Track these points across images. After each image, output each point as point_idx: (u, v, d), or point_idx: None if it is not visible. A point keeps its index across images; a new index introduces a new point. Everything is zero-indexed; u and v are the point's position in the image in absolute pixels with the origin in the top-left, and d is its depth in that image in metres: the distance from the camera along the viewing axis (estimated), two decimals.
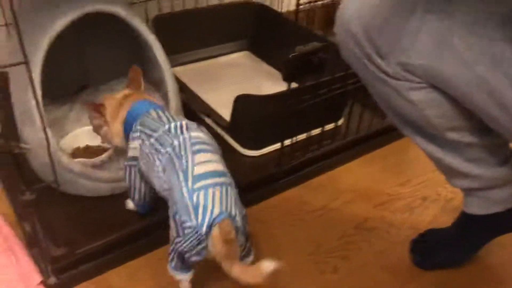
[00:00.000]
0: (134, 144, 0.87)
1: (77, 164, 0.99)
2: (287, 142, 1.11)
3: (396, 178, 1.23)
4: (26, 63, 0.67)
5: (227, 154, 1.17)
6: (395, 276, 0.97)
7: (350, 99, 1.23)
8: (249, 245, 0.83)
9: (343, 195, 1.17)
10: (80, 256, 0.90)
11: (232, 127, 1.20)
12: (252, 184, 1.11)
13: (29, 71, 0.68)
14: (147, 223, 0.98)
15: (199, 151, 0.80)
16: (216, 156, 0.83)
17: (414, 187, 1.21)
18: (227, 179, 0.80)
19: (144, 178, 0.89)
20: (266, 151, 1.19)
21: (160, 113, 0.88)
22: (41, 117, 0.74)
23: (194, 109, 1.27)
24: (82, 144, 1.12)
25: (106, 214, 1.00)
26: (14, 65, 0.67)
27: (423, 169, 1.24)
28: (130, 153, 0.88)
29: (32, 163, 1.00)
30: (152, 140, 0.83)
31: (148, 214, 0.99)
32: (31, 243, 0.93)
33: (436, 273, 0.98)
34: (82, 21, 1.00)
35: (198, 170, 0.77)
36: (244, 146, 1.19)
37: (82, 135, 1.12)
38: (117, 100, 0.93)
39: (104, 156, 1.05)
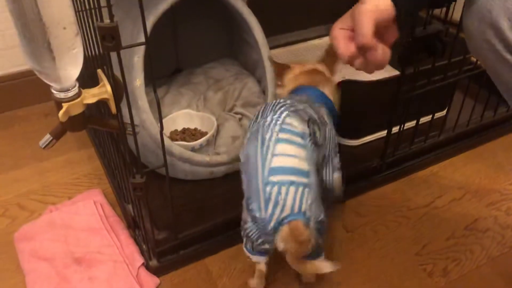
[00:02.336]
0: None
1: (178, 147, 0.98)
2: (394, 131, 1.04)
3: (508, 176, 1.12)
4: (146, 43, 0.65)
5: None
6: None
7: (458, 88, 1.13)
8: (320, 249, 0.77)
9: (449, 192, 1.08)
10: (182, 241, 0.89)
11: None
12: (351, 176, 1.05)
13: (147, 51, 0.66)
14: (235, 213, 0.94)
15: (284, 140, 0.74)
16: (304, 153, 0.74)
17: None
18: (309, 179, 0.73)
19: None
20: (367, 141, 1.13)
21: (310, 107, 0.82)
22: (157, 100, 0.72)
23: None
24: (179, 127, 1.11)
25: (206, 199, 0.99)
26: (135, 45, 0.65)
27: None
28: None
29: (132, 145, 1.00)
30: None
31: (234, 210, 0.95)
32: (134, 225, 0.94)
33: None
34: (178, 4, 0.98)
35: (276, 162, 0.72)
36: (342, 134, 1.12)
37: (178, 118, 1.12)
38: (301, 70, 0.92)
39: (203, 139, 1.03)
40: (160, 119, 0.73)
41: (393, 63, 1.38)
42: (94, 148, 1.18)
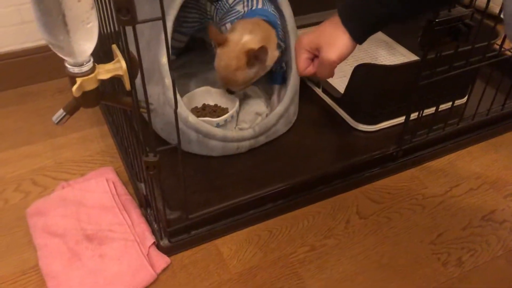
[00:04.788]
0: None
1: (204, 123, 0.97)
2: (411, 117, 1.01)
3: None
4: (162, 19, 0.63)
5: (338, 128, 1.12)
6: None
7: (480, 76, 1.10)
8: None
9: (466, 182, 1.05)
10: (194, 221, 0.88)
11: (346, 99, 1.12)
12: (366, 162, 1.03)
13: (164, 28, 0.64)
14: (261, 193, 0.94)
15: None
16: None
17: None
18: None
19: None
20: (383, 126, 1.10)
21: None
22: (172, 80, 0.71)
23: (303, 78, 1.20)
24: (198, 104, 1.10)
25: (221, 177, 0.98)
26: (151, 20, 0.63)
27: None
28: None
29: (156, 123, 1.01)
30: None
31: (262, 186, 0.95)
32: (146, 204, 0.93)
33: None
34: None
35: None
36: (358, 120, 1.10)
37: (197, 94, 1.10)
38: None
39: (228, 115, 1.02)
40: (175, 98, 0.71)
41: (413, 47, 1.36)
42: (107, 125, 1.18)
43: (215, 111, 1.09)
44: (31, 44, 1.28)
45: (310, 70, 0.79)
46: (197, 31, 1.15)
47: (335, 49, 0.74)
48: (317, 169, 1.00)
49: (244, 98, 1.13)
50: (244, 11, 1.02)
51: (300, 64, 0.79)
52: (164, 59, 0.96)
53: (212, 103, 1.11)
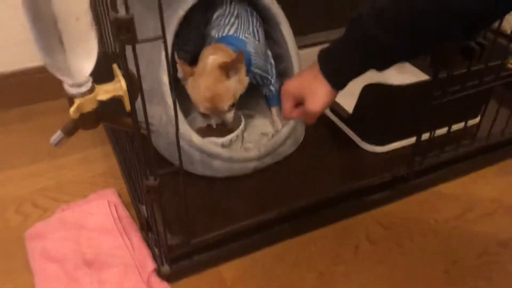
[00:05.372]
0: None
1: (209, 144, 0.95)
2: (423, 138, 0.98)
3: None
4: (163, 38, 0.61)
5: (346, 148, 1.08)
6: None
7: (493, 95, 1.06)
8: None
9: (480, 206, 1.01)
10: (196, 246, 0.85)
11: (355, 119, 1.09)
12: (376, 184, 1.00)
13: (165, 47, 0.62)
14: (266, 217, 0.91)
15: None
16: None
17: None
18: None
19: None
20: (393, 147, 1.07)
21: None
22: (173, 100, 0.69)
23: None
24: (203, 124, 1.07)
25: (225, 200, 0.95)
26: (152, 40, 0.61)
27: None
28: None
29: (159, 143, 0.98)
30: None
31: (268, 209, 0.91)
32: (147, 227, 0.90)
33: None
34: None
35: None
36: (366, 140, 1.07)
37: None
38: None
39: (233, 135, 1.00)
40: (176, 120, 0.69)
41: (423, 66, 1.33)
42: (111, 145, 1.16)
43: (220, 131, 1.06)
44: (36, 63, 1.27)
45: (294, 115, 0.83)
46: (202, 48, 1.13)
47: (318, 100, 0.76)
48: (325, 191, 0.97)
49: (249, 118, 1.11)
50: (216, 37, 1.01)
51: (285, 111, 0.83)
52: (165, 78, 0.94)
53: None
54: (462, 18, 0.65)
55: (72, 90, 0.64)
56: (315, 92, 0.76)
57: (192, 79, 0.95)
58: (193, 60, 1.17)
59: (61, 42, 0.57)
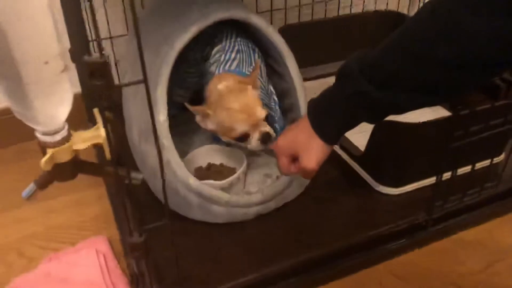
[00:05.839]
0: None
1: (207, 187, 0.87)
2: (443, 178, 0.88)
3: None
4: (145, 82, 0.54)
5: (358, 190, 0.99)
6: None
7: None
8: None
9: (510, 256, 0.91)
10: None
11: (367, 158, 1.00)
12: (391, 232, 0.90)
13: (147, 90, 0.55)
14: (270, 270, 0.82)
15: None
16: None
17: None
18: None
19: None
20: (409, 189, 0.98)
21: None
22: (157, 145, 0.62)
23: None
24: (203, 163, 1.00)
25: (225, 247, 0.87)
26: (132, 84, 0.54)
27: None
28: None
29: (155, 185, 0.92)
30: None
31: (272, 260, 0.83)
32: (136, 282, 0.82)
33: None
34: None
35: None
36: (380, 181, 0.98)
37: (202, 153, 1.01)
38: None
39: (233, 177, 0.92)
40: (161, 165, 0.61)
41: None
42: (105, 187, 1.09)
43: (221, 171, 0.99)
44: None
45: (293, 170, 0.79)
46: (201, 85, 1.07)
47: (313, 156, 0.74)
48: (335, 240, 0.88)
49: (252, 158, 1.03)
50: (216, 73, 0.95)
51: (282, 167, 0.80)
52: (161, 117, 0.88)
53: (218, 163, 1.01)
54: (486, 67, 0.58)
55: (45, 139, 0.58)
56: (308, 148, 0.73)
57: (213, 111, 0.89)
58: (192, 99, 1.11)
59: (25, 88, 0.50)
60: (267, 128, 0.88)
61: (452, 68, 0.60)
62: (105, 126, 0.56)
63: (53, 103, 0.54)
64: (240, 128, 0.87)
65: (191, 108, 0.89)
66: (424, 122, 0.87)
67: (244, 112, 0.86)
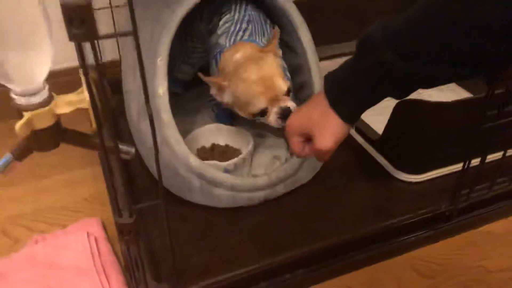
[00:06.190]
0: None
1: (210, 168, 0.80)
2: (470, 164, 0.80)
3: None
4: (134, 33, 0.46)
5: (375, 177, 0.91)
6: None
7: None
8: None
9: None
10: None
11: (385, 142, 0.92)
12: (411, 222, 0.82)
13: (136, 40, 0.47)
14: (276, 260, 0.74)
15: None
16: None
17: None
18: None
19: None
20: (432, 176, 0.89)
21: None
22: (150, 116, 0.54)
23: None
24: (207, 143, 0.92)
25: (227, 235, 0.80)
26: (120, 35, 0.46)
27: None
28: None
29: (152, 164, 0.85)
30: None
31: (278, 249, 0.75)
32: (131, 269, 0.74)
33: None
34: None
35: None
36: (400, 168, 0.90)
37: (205, 132, 0.93)
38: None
39: (238, 158, 0.85)
40: (155, 141, 0.53)
41: (464, 82, 1.16)
42: (101, 166, 1.01)
43: (225, 152, 0.91)
44: None
45: (307, 152, 0.72)
46: (206, 62, 0.99)
47: (329, 136, 0.66)
48: (348, 230, 0.79)
49: (260, 138, 0.95)
50: (226, 45, 0.86)
51: (294, 148, 0.72)
52: (160, 90, 0.80)
53: (222, 143, 0.93)
54: None
55: (21, 101, 0.50)
56: (324, 127, 0.66)
57: (230, 83, 0.81)
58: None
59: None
60: (288, 103, 0.79)
61: (493, 33, 0.52)
62: (88, 87, 0.48)
63: (31, 57, 0.46)
64: (258, 103, 0.78)
65: (205, 78, 0.81)
66: (454, 101, 0.78)
67: (262, 84, 0.78)
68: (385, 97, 0.64)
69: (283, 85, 0.78)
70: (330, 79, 0.66)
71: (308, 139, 0.71)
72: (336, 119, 0.65)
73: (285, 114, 0.77)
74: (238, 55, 0.81)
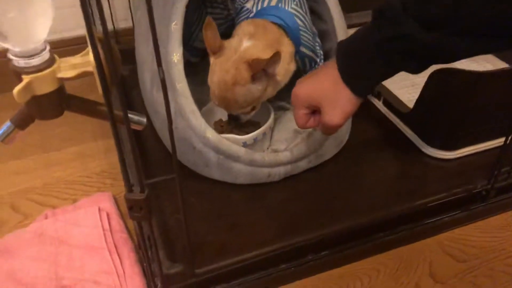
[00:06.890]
0: None
1: (227, 142, 0.75)
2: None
3: None
4: None
5: (404, 153, 0.85)
6: None
7: None
8: None
9: None
10: (202, 279, 0.64)
11: (416, 115, 0.85)
12: (443, 202, 0.76)
13: (148, 1, 0.41)
14: (298, 240, 0.69)
15: None
16: None
17: None
18: None
19: None
20: (466, 153, 0.83)
21: None
22: (161, 79, 0.49)
23: None
24: (224, 116, 0.87)
25: (246, 213, 0.75)
26: None
27: None
28: None
29: (165, 137, 0.81)
30: None
31: (300, 229, 0.70)
32: (144, 246, 0.70)
33: None
34: None
35: None
36: (432, 143, 0.84)
37: None
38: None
39: (258, 132, 0.79)
40: (167, 107, 0.48)
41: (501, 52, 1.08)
42: (114, 138, 0.96)
43: (244, 125, 0.85)
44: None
45: (311, 124, 0.69)
46: (226, 28, 0.92)
47: (339, 110, 0.62)
48: (375, 209, 0.74)
49: (281, 111, 0.89)
50: (253, 10, 0.79)
51: (299, 120, 0.69)
52: (176, 57, 0.74)
53: None
54: None
55: (20, 63, 0.45)
56: (333, 99, 0.62)
57: (214, 59, 0.74)
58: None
59: None
60: (241, 117, 0.79)
61: None
62: (93, 48, 0.42)
63: (30, 14, 0.41)
64: (213, 100, 0.76)
65: (207, 35, 0.73)
66: (498, 70, 0.71)
67: (221, 100, 0.74)
68: (401, 71, 0.58)
69: (239, 110, 0.76)
70: (342, 49, 0.61)
71: (314, 111, 0.66)
72: (348, 94, 0.61)
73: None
74: (244, 44, 0.73)
